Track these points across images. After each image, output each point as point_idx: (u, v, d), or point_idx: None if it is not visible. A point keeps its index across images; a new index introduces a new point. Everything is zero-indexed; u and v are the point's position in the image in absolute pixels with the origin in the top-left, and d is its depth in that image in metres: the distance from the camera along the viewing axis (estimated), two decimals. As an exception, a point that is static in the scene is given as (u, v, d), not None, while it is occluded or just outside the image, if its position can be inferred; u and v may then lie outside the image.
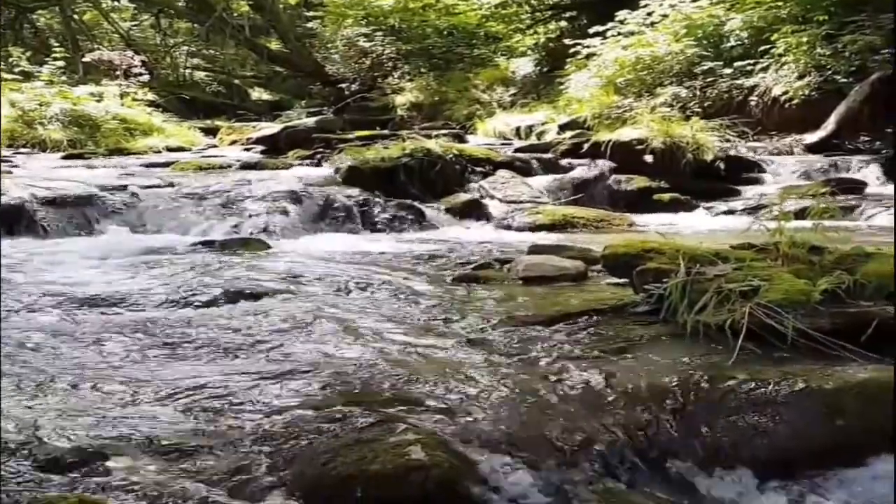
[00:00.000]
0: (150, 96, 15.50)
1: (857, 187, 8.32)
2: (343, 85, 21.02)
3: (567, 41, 14.27)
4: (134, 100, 14.61)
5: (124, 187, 7.61)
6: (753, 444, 2.56)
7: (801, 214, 4.09)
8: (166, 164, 10.00)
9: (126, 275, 5.05)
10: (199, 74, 21.70)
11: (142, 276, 5.03)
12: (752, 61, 11.61)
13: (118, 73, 15.53)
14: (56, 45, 17.75)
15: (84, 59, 16.70)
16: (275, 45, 23.06)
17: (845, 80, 10.57)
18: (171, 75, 20.65)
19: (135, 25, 22.35)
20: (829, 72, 10.73)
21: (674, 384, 2.78)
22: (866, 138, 10.19)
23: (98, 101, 13.58)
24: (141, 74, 15.86)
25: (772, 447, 2.55)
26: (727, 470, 2.50)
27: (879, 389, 2.68)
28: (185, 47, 21.85)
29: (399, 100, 18.77)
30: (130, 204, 7.29)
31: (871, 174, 8.91)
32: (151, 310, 4.14)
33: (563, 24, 17.25)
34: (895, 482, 2.38)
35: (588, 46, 13.27)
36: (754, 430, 2.58)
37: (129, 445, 2.46)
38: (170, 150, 12.37)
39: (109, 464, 2.34)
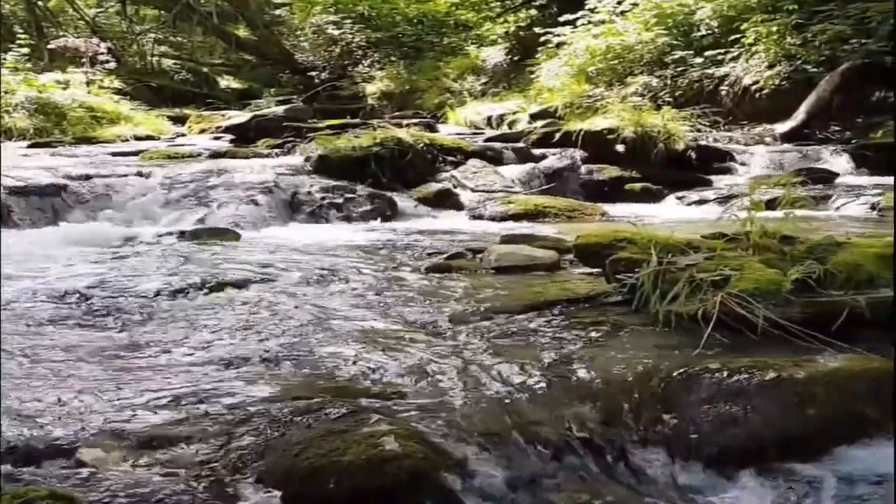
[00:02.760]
0: (117, 84, 15.36)
1: (827, 177, 8.39)
2: (313, 73, 20.93)
3: (537, 30, 14.31)
4: (100, 87, 14.46)
5: (92, 176, 7.52)
6: (725, 433, 2.56)
7: (771, 204, 4.12)
8: (135, 153, 9.90)
9: (94, 265, 5.00)
10: (167, 62, 21.45)
11: (110, 266, 4.98)
12: (722, 51, 11.69)
13: (84, 60, 15.34)
14: (20, 31, 17.50)
15: (49, 47, 16.48)
16: (243, 32, 22.86)
17: (815, 69, 10.67)
18: (138, 63, 20.39)
19: (100, 12, 22.05)
20: (799, 61, 10.82)
21: (646, 374, 2.79)
22: (836, 128, 10.28)
23: (64, 88, 13.44)
24: (107, 62, 15.69)
25: (743, 436, 2.56)
26: (698, 459, 2.51)
27: (850, 378, 2.69)
28: (152, 34, 21.58)
29: (369, 89, 18.72)
30: (99, 193, 7.21)
31: (841, 164, 8.98)
32: (121, 300, 4.10)
33: (533, 12, 17.27)
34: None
35: (558, 35, 13.30)
36: (726, 420, 2.59)
37: (100, 437, 2.43)
38: (138, 138, 12.26)
39: (80, 456, 2.32)
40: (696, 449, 2.52)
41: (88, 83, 14.30)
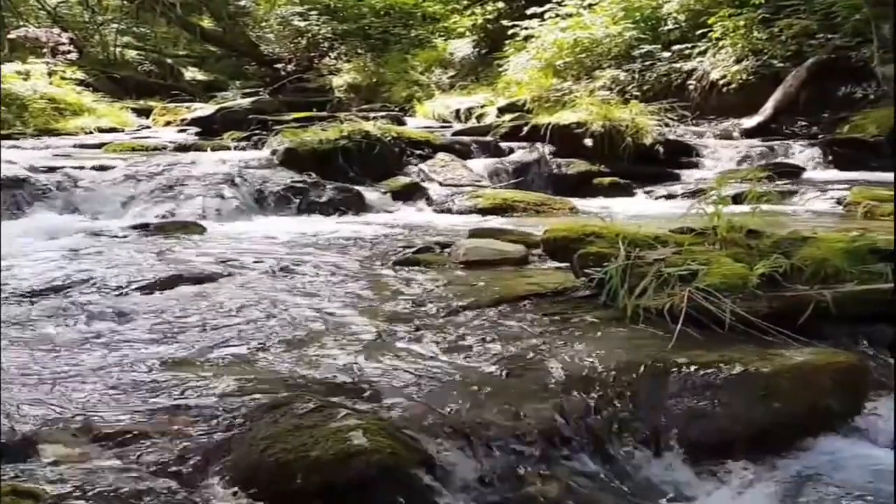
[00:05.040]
0: (80, 75, 15.15)
1: (794, 172, 8.45)
2: (279, 65, 20.81)
3: (505, 22, 14.27)
4: (62, 78, 14.27)
5: (55, 169, 7.43)
6: (693, 427, 2.58)
7: (738, 199, 4.14)
8: (98, 146, 9.81)
9: (58, 260, 4.94)
10: (131, 53, 21.19)
11: (74, 260, 4.92)
12: (689, 45, 11.73)
13: (45, 50, 15.12)
14: (-19, 21, 17.22)
15: (10, 36, 16.21)
16: (207, 23, 22.66)
17: (782, 64, 10.74)
18: (100, 54, 20.10)
19: (62, 2, 21.74)
20: (766, 56, 10.88)
21: (614, 368, 2.79)
22: (803, 123, 10.36)
23: (25, 79, 13.24)
24: (69, 52, 15.43)
25: (711, 430, 2.58)
26: (667, 453, 2.52)
27: (815, 372, 2.72)
28: (115, 25, 21.29)
29: (336, 81, 18.63)
30: (62, 186, 7.11)
31: (808, 159, 9.04)
32: (84, 295, 4.05)
33: (501, 4, 17.23)
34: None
35: (526, 28, 13.27)
36: (694, 414, 2.60)
37: (64, 433, 2.40)
38: (101, 130, 12.13)
39: (43, 452, 2.29)
40: (664, 443, 2.54)
41: (50, 74, 14.09)
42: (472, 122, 12.35)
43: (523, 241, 4.94)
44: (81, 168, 7.58)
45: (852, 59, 10.12)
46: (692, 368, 2.72)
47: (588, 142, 8.89)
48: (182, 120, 13.04)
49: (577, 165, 8.73)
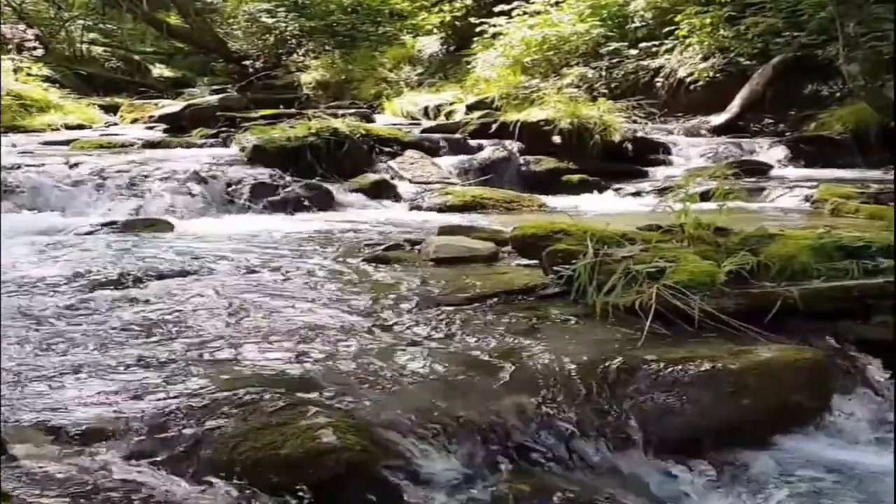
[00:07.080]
0: (46, 72, 14.99)
1: (761, 169, 8.51)
2: (246, 62, 20.69)
3: (473, 20, 14.26)
4: (28, 75, 14.11)
5: (21, 166, 7.34)
6: (662, 423, 2.60)
7: (706, 196, 4.16)
8: (65, 143, 9.70)
9: (24, 257, 4.88)
10: (97, 49, 20.99)
11: (40, 258, 4.87)
12: (656, 42, 11.78)
13: (10, 46, 14.95)
14: (-56, 17, 16.99)
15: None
16: (175, 19, 22.47)
17: (748, 62, 10.81)
18: (66, 50, 19.90)
19: (27, -3, 21.53)
20: (733, 54, 10.95)
21: (583, 365, 2.81)
22: (770, 120, 10.43)
23: (-10, 75, 13.09)
24: (35, 49, 15.29)
25: (679, 426, 2.60)
26: (636, 449, 2.53)
27: (783, 368, 2.75)
28: (81, 21, 21.09)
29: (305, 78, 18.54)
30: (28, 184, 7.03)
31: (775, 156, 9.11)
32: (50, 293, 4.01)
33: (469, 2, 17.20)
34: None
35: (494, 25, 13.29)
36: (662, 410, 2.62)
37: (33, 432, 2.39)
38: (69, 127, 11.99)
39: (13, 451, 2.27)
40: (635, 439, 2.55)
41: (16, 70, 13.94)
42: (441, 120, 12.33)
43: (493, 239, 4.94)
44: (48, 165, 7.50)
45: (818, 57, 10.21)
46: (661, 365, 2.74)
47: (556, 139, 8.90)
48: (150, 117, 12.91)
49: (546, 163, 8.72)
